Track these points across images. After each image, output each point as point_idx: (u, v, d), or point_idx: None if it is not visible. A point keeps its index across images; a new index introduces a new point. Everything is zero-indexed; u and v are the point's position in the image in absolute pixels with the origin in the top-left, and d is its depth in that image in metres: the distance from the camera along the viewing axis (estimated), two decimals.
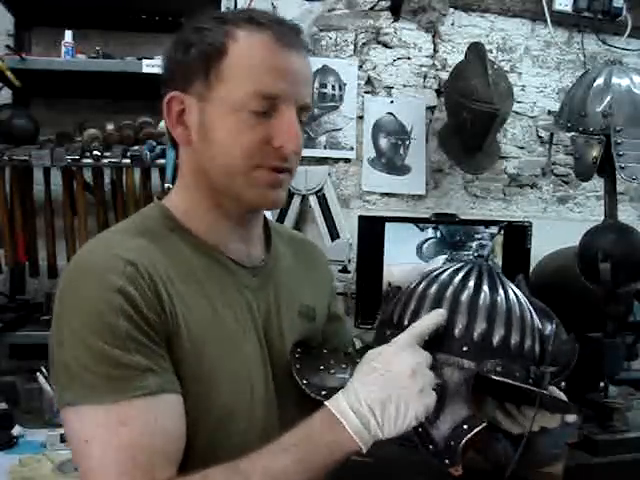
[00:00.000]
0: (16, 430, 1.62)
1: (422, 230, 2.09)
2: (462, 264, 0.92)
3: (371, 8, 2.30)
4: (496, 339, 0.84)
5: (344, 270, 2.17)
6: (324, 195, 2.19)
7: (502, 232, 2.12)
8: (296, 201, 2.18)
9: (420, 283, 0.91)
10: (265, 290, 0.95)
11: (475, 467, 0.87)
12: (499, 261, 2.11)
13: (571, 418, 0.90)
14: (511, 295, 0.89)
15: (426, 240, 2.09)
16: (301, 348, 0.97)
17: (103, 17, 2.06)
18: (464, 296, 0.86)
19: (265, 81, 0.84)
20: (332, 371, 0.88)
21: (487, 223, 2.17)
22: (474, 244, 2.13)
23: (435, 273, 0.92)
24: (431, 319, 0.83)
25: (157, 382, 0.77)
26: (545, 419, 0.90)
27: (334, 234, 2.18)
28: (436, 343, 0.83)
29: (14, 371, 1.85)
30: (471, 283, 0.87)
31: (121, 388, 0.75)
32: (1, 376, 1.80)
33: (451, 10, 2.35)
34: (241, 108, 0.84)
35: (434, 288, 0.88)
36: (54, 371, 0.80)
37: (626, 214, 2.43)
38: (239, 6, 2.03)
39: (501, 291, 0.88)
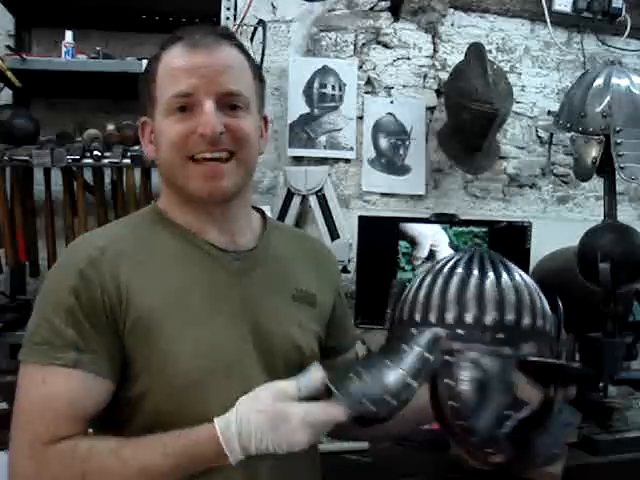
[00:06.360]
0: None
1: None
2: (461, 254, 0.95)
3: (371, 8, 2.30)
4: (525, 323, 0.87)
5: (344, 270, 2.16)
6: (324, 195, 2.20)
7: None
8: (296, 201, 2.18)
9: (425, 279, 0.93)
10: (249, 273, 1.04)
11: (475, 467, 0.87)
12: None
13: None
14: (518, 278, 0.92)
15: None
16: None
17: (103, 17, 2.05)
18: (488, 287, 0.89)
19: (176, 83, 0.97)
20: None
21: (487, 223, 2.17)
22: None
23: (437, 267, 0.94)
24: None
25: (74, 358, 0.89)
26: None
27: (334, 234, 2.18)
28: (465, 336, 0.86)
29: (14, 371, 1.84)
30: (475, 272, 0.91)
31: (49, 353, 0.90)
32: (1, 376, 1.80)
33: (451, 10, 2.35)
34: (168, 112, 0.98)
35: (439, 282, 0.91)
36: None
37: (626, 214, 2.42)
38: (239, 6, 2.03)
39: (505, 275, 0.91)
